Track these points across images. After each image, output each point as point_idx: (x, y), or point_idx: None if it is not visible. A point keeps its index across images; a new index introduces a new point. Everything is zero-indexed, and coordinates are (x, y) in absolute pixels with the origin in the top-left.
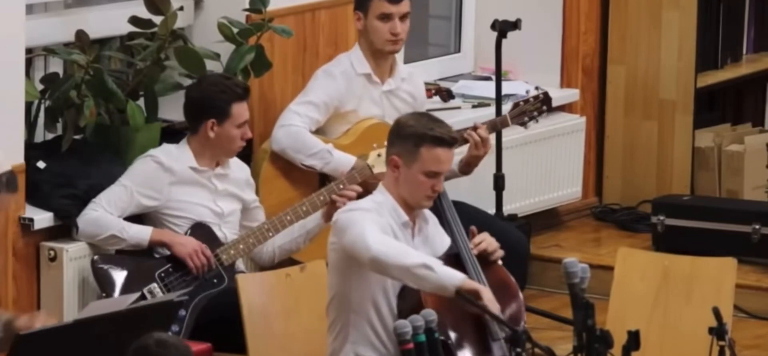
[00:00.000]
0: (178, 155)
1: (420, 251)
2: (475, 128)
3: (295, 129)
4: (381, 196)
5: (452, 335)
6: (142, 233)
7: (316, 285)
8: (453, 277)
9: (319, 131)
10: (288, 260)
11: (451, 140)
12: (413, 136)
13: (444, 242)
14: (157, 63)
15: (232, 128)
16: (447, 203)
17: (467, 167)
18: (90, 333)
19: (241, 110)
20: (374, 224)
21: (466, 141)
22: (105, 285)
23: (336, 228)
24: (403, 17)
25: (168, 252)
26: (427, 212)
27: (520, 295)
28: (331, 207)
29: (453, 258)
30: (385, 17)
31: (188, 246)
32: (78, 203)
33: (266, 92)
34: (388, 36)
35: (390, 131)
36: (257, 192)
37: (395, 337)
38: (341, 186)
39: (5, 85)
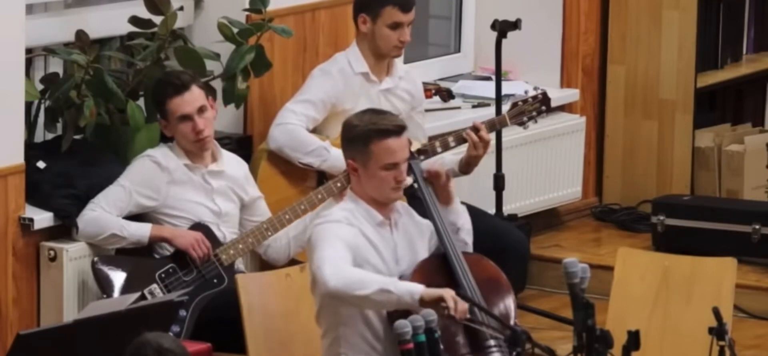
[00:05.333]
0: (173, 154)
1: (400, 246)
2: (475, 129)
3: (291, 127)
4: (352, 202)
5: (445, 337)
6: (141, 230)
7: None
8: (413, 291)
9: (317, 130)
10: (289, 260)
11: (396, 128)
12: (360, 135)
13: (422, 228)
14: (157, 63)
15: (177, 124)
16: (431, 202)
17: (467, 167)
18: (90, 333)
19: (176, 105)
20: (337, 243)
21: (466, 141)
22: (105, 287)
23: (309, 245)
24: (409, 24)
25: (168, 252)
26: (399, 204)
27: (511, 291)
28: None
29: (441, 258)
30: (396, 26)
31: (189, 237)
32: (78, 203)
33: (266, 92)
34: (396, 43)
35: (340, 136)
36: None
37: (388, 341)
38: (339, 184)
39: (5, 85)
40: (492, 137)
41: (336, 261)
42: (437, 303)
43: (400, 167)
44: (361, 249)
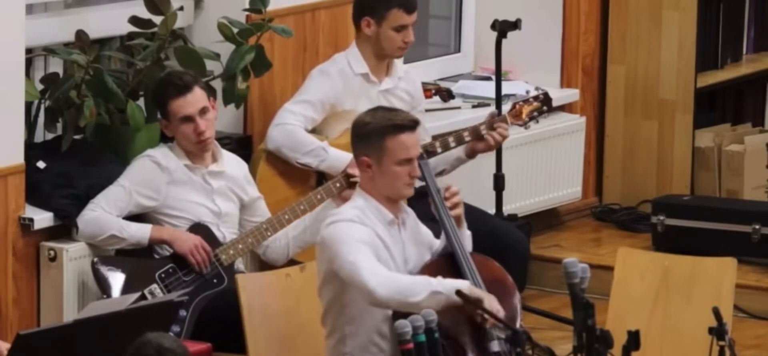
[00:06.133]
0: (173, 155)
1: (408, 245)
2: (492, 127)
3: (290, 127)
4: (362, 200)
5: (448, 337)
6: (141, 231)
7: (316, 285)
8: (459, 288)
9: (316, 130)
10: (288, 260)
11: (411, 123)
12: (375, 131)
13: (427, 232)
14: (157, 63)
15: (179, 125)
16: (440, 201)
17: (473, 153)
18: (90, 333)
19: (179, 106)
20: (362, 247)
21: (466, 141)
22: (105, 287)
23: (323, 245)
24: (412, 25)
25: (167, 252)
26: (403, 204)
27: (517, 292)
28: (350, 191)
29: (449, 258)
30: (401, 28)
31: (189, 242)
32: (78, 203)
33: (266, 92)
34: (400, 44)
35: (351, 134)
36: None
37: (394, 340)
38: (338, 185)
39: (5, 85)
40: None
41: (374, 269)
42: (476, 304)
43: (414, 162)
44: (376, 249)
